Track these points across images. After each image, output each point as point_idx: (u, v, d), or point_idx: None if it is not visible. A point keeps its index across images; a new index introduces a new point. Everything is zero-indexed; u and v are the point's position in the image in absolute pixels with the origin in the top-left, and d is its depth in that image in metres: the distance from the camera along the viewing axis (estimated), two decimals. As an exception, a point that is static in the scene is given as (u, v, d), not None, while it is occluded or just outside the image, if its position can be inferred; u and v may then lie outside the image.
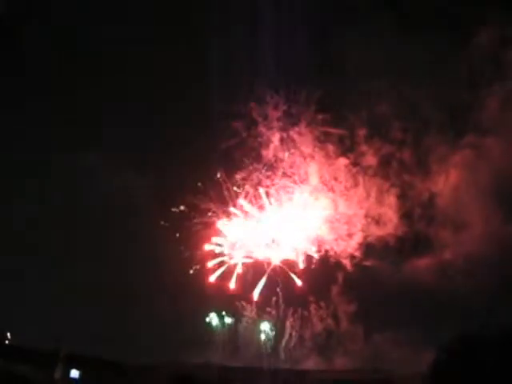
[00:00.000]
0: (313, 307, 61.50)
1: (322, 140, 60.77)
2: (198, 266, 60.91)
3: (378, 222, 60.74)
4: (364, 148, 60.44)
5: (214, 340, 63.06)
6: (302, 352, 61.95)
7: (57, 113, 62.15)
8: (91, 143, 60.97)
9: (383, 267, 60.31)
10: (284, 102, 60.68)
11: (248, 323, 62.83)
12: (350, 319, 61.50)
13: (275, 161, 61.37)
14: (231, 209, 61.51)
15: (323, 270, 60.58)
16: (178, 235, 60.44)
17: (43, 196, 61.88)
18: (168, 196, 60.19)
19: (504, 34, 57.62)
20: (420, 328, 56.19)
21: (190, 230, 61.09)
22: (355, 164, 60.79)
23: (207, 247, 61.43)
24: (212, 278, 60.91)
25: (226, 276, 61.10)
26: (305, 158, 61.18)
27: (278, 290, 61.13)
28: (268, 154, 61.13)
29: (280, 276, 60.69)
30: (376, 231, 60.44)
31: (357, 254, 60.21)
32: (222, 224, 61.73)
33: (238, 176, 60.69)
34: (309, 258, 60.85)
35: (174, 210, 60.57)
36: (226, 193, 60.93)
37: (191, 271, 60.74)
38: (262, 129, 61.09)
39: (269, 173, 61.07)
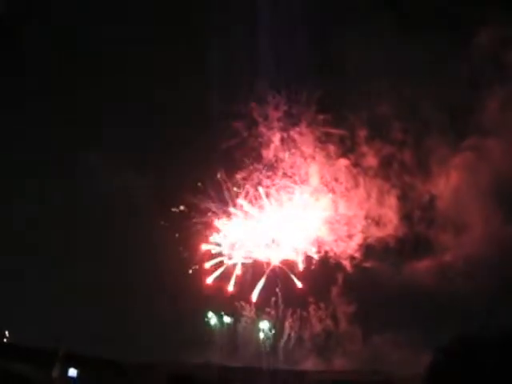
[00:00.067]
0: (312, 308, 61.82)
1: (322, 140, 61.06)
2: (196, 267, 61.33)
3: (378, 223, 60.99)
4: (364, 149, 60.70)
5: (213, 340, 63.38)
6: (301, 353, 62.25)
7: (57, 113, 62.37)
8: (91, 143, 61.06)
9: (383, 268, 60.57)
10: (285, 102, 60.92)
11: (247, 323, 63.16)
12: (350, 320, 61.78)
13: (276, 161, 61.63)
14: (231, 209, 61.85)
15: (323, 270, 60.84)
16: (177, 235, 60.91)
17: (43, 196, 62.19)
18: (168, 196, 60.58)
19: (505, 35, 57.71)
20: (420, 329, 56.39)
21: (190, 230, 61.52)
22: (356, 165, 61.10)
23: (206, 247, 61.71)
24: (209, 280, 61.31)
25: (224, 277, 61.41)
26: (305, 159, 61.40)
27: (278, 290, 61.43)
28: (268, 154, 61.43)
29: (279, 276, 61.04)
30: (376, 232, 60.69)
31: (357, 255, 60.47)
32: (221, 224, 61.99)
33: (239, 176, 60.99)
34: (308, 258, 61.08)
35: (173, 210, 60.99)
36: (226, 193, 61.29)
37: (190, 271, 61.19)
38: (262, 129, 61.37)
39: (269, 173, 61.36)
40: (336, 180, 60.99)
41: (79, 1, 62.44)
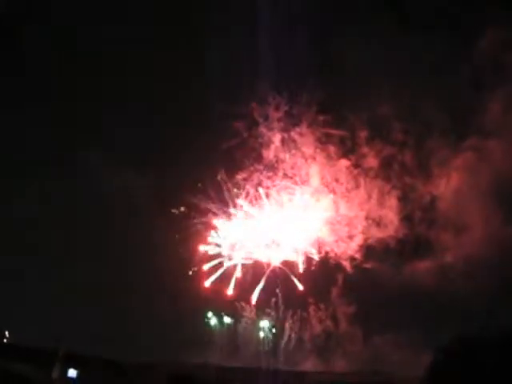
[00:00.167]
0: (312, 309, 62.25)
1: (323, 141, 61.33)
2: (196, 268, 61.65)
3: (378, 224, 61.31)
4: (365, 150, 61.11)
5: (213, 340, 63.96)
6: (301, 353, 62.65)
7: (57, 112, 62.71)
8: (91, 143, 61.40)
9: (383, 269, 60.91)
10: (285, 103, 61.18)
11: (247, 324, 63.59)
12: (350, 321, 62.22)
13: (276, 161, 61.90)
14: (231, 209, 62.09)
15: (323, 271, 61.16)
16: (177, 236, 61.27)
17: (43, 196, 62.36)
18: (168, 196, 60.91)
19: (507, 36, 58.03)
20: (420, 330, 56.80)
21: (190, 231, 61.84)
22: (356, 166, 61.46)
23: (206, 248, 62.04)
24: (207, 283, 61.62)
25: (224, 279, 61.74)
26: (306, 159, 61.65)
27: (278, 291, 61.79)
28: (269, 154, 61.75)
29: (280, 277, 61.31)
30: (377, 233, 61.03)
31: (357, 255, 60.83)
32: (221, 225, 62.33)
33: (239, 176, 61.29)
34: (309, 259, 61.36)
35: (173, 211, 61.39)
36: (226, 193, 61.56)
37: (190, 272, 61.57)
38: (262, 129, 61.68)
39: (270, 173, 61.68)
40: (337, 181, 61.38)
41: (79, 1, 62.80)
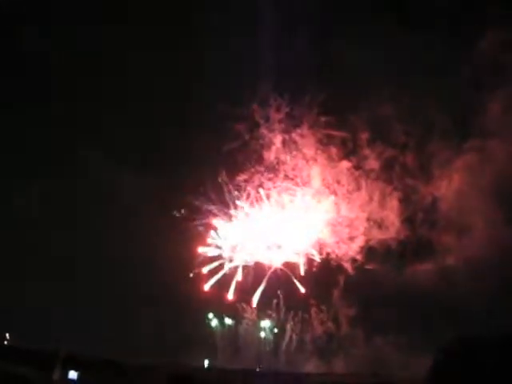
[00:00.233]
0: (313, 310, 62.56)
1: (324, 143, 61.59)
2: (197, 270, 61.95)
3: (380, 225, 61.51)
4: (367, 151, 61.26)
5: (213, 341, 64.24)
6: (302, 355, 62.94)
7: (57, 112, 62.96)
8: (92, 144, 61.82)
9: (385, 271, 61.03)
10: (286, 104, 61.41)
11: (248, 325, 63.96)
12: (351, 323, 62.38)
13: (277, 163, 62.24)
14: (232, 211, 62.46)
15: (324, 273, 61.46)
16: (178, 238, 61.10)
17: (43, 196, 62.54)
18: (169, 198, 61.03)
19: (508, 36, 57.77)
20: (421, 332, 56.94)
21: (191, 232, 62.15)
22: (358, 167, 61.67)
23: (206, 250, 62.48)
24: (206, 287, 62.04)
25: (224, 283, 62.15)
26: (307, 161, 61.96)
27: (279, 293, 62.33)
28: (270, 156, 62.10)
29: (281, 279, 61.64)
30: (378, 235, 61.24)
31: (358, 257, 61.11)
32: (222, 226, 62.74)
33: (240, 178, 61.61)
34: (310, 261, 61.68)
35: (174, 213, 61.61)
36: (227, 195, 61.92)
37: (191, 275, 61.97)
38: (263, 131, 62.00)
39: (271, 175, 62.03)
40: (338, 182, 61.64)
41: (79, 1, 63.03)
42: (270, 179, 61.90)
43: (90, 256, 61.84)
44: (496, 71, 59.08)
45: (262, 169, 61.83)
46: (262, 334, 64.47)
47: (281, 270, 61.51)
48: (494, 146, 60.40)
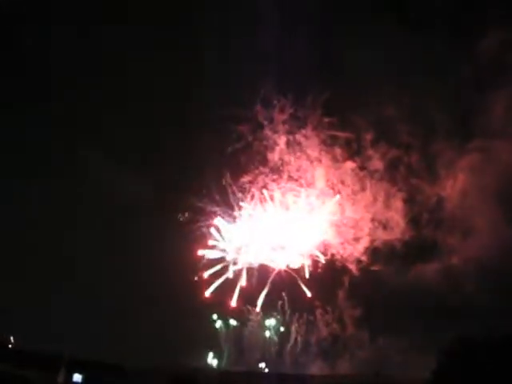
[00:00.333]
0: (318, 312, 63.11)
1: (328, 143, 61.97)
2: (200, 274, 62.09)
3: (385, 226, 62.02)
4: (371, 152, 61.76)
5: (217, 342, 64.82)
6: (307, 357, 63.46)
7: (57, 113, 63.37)
8: (94, 145, 62.34)
9: (389, 272, 61.58)
10: (290, 105, 61.63)
11: (253, 327, 64.44)
12: (356, 324, 62.98)
13: (281, 164, 62.47)
14: (236, 213, 62.70)
15: (329, 274, 61.80)
16: (182, 240, 61.58)
17: (43, 196, 62.95)
18: (173, 200, 61.07)
19: (510, 37, 58.73)
20: (425, 333, 57.84)
21: (195, 234, 62.26)
22: (362, 168, 62.11)
23: (210, 253, 62.62)
24: (208, 293, 62.15)
25: (228, 287, 62.42)
26: (311, 162, 62.28)
27: (284, 294, 62.80)
28: (274, 157, 62.34)
29: (286, 281, 61.84)
30: (383, 235, 61.78)
31: (363, 258, 61.56)
32: (226, 228, 62.94)
33: (244, 179, 61.82)
34: (315, 262, 61.92)
35: (179, 216, 61.69)
36: (231, 196, 62.12)
37: (196, 278, 62.16)
38: (267, 132, 62.26)
39: (275, 176, 62.27)
40: (342, 183, 62.07)
41: (79, 1, 63.44)
42: (274, 180, 62.31)
43: (92, 256, 62.49)
44: (499, 71, 60.05)
45: (266, 170, 62.26)
46: (267, 334, 64.95)
47: (285, 271, 61.98)
48: (498, 146, 61.29)
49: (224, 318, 64.55)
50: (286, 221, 62.74)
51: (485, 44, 59.53)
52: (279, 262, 62.10)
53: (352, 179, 62.04)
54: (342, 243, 61.91)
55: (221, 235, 62.99)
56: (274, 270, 61.93)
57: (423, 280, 60.87)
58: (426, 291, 59.45)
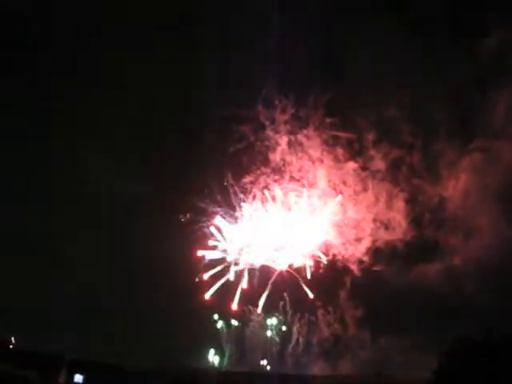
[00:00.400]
0: (320, 312, 63.47)
1: (330, 144, 62.27)
2: (201, 275, 62.39)
3: (386, 226, 62.35)
4: (373, 152, 62.10)
5: (219, 342, 65.21)
6: (309, 357, 63.83)
7: (57, 113, 63.77)
8: (96, 147, 62.79)
9: (391, 272, 61.88)
10: (292, 106, 61.87)
11: (255, 327, 64.77)
12: (357, 324, 63.40)
13: (283, 164, 62.75)
14: (238, 213, 62.90)
15: (331, 274, 62.08)
16: (183, 240, 61.72)
17: (43, 196, 63.43)
18: (174, 200, 60.95)
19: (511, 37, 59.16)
20: (427, 333, 58.32)
21: (196, 235, 62.55)
22: (364, 168, 62.41)
23: (211, 254, 62.87)
24: (207, 295, 62.42)
25: (229, 289, 62.65)
26: (313, 162, 62.56)
27: (286, 295, 63.07)
28: (276, 157, 62.63)
29: (287, 281, 62.12)
30: (385, 236, 62.12)
31: (365, 258, 61.89)
32: (228, 229, 63.17)
33: (246, 180, 62.09)
34: (316, 262, 62.19)
35: (180, 217, 61.83)
36: (233, 197, 62.41)
37: (196, 279, 62.39)
38: (269, 132, 62.50)
39: (276, 176, 62.52)
40: (344, 183, 62.36)
41: (80, 1, 63.74)
42: (275, 181, 62.56)
43: (92, 256, 62.87)
44: (500, 71, 60.42)
45: (268, 170, 62.56)
46: (269, 333, 65.26)
47: (287, 272, 62.26)
48: (500, 146, 61.76)
49: (225, 318, 64.87)
50: (288, 221, 62.97)
51: (485, 44, 60.08)
52: (281, 263, 62.40)
53: (354, 179, 62.46)
54: (344, 243, 62.33)
55: (222, 236, 63.28)
56: (275, 270, 62.31)
57: (425, 280, 61.45)
58: (428, 291, 59.98)
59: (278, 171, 62.72)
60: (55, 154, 64.66)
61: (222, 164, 61.59)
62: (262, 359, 65.08)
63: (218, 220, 62.98)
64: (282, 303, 63.49)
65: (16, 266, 60.73)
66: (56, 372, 56.26)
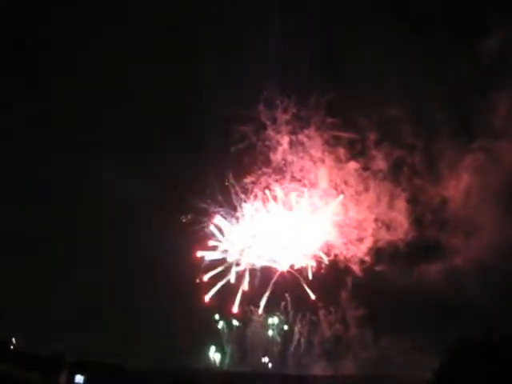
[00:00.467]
0: (322, 313, 63.91)
1: (331, 144, 62.56)
2: (202, 276, 62.91)
3: (388, 226, 62.62)
4: (374, 152, 62.31)
5: (220, 341, 65.83)
6: (310, 357, 64.32)
7: (57, 113, 64.05)
8: (96, 150, 63.57)
9: (393, 272, 62.19)
10: (293, 105, 62.18)
11: (256, 327, 65.16)
12: (359, 324, 63.77)
13: (284, 164, 63.13)
14: (239, 213, 63.28)
15: (332, 274, 62.57)
16: (184, 240, 62.28)
17: (43, 197, 64.13)
18: (175, 200, 61.70)
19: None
20: (427, 333, 58.50)
21: (198, 235, 63.03)
22: (365, 168, 62.69)
23: (212, 254, 63.33)
24: (207, 298, 62.88)
25: (229, 291, 63.12)
26: (314, 162, 62.88)
27: (287, 295, 63.65)
28: (277, 157, 62.98)
29: (289, 281, 62.53)
30: (386, 236, 62.42)
31: (366, 258, 62.23)
32: (229, 229, 63.63)
33: (247, 180, 62.45)
34: (318, 263, 62.64)
35: (182, 217, 62.45)
36: (234, 197, 62.77)
37: (197, 280, 62.88)
38: (270, 132, 62.80)
39: (278, 176, 62.91)
40: (346, 183, 62.69)
41: (80, 1, 64.18)
42: (277, 181, 62.89)
43: (92, 256, 63.42)
44: (501, 71, 60.83)
45: (270, 170, 62.90)
46: (270, 332, 65.68)
47: (288, 272, 62.64)
48: (502, 146, 62.07)
49: (226, 318, 65.27)
50: (289, 221, 63.37)
51: (486, 44, 60.38)
52: (282, 263, 62.78)
53: (355, 179, 62.77)
54: (346, 244, 62.67)
55: (223, 236, 63.68)
56: (276, 270, 62.63)
57: (427, 280, 61.72)
58: (429, 291, 60.16)
59: (280, 171, 63.22)
60: (55, 154, 64.03)
61: (223, 164, 61.89)
62: (263, 354, 65.57)
63: (218, 220, 63.40)
64: (283, 303, 64.11)
65: (16, 265, 61.08)
66: (57, 373, 56.43)
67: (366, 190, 62.98)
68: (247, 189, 62.97)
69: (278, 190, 63.19)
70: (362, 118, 61.26)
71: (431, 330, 58.90)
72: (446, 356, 49.59)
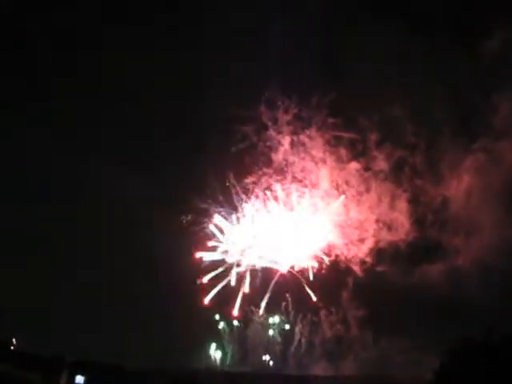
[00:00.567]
0: (323, 313, 64.44)
1: (333, 144, 62.93)
2: (202, 277, 63.50)
3: (389, 227, 63.07)
4: (375, 153, 62.78)
5: (221, 340, 66.49)
6: (311, 358, 64.90)
7: (57, 113, 64.57)
8: (95, 150, 63.86)
9: (394, 273, 62.59)
10: (295, 106, 62.61)
11: (257, 328, 65.70)
12: (360, 325, 64.17)
13: (285, 165, 63.51)
14: (240, 214, 63.76)
15: (333, 275, 63.06)
16: (184, 240, 63.00)
17: (43, 197, 64.63)
18: (175, 200, 62.32)
19: None
20: (429, 333, 58.65)
21: (198, 236, 63.64)
22: (367, 169, 63.10)
23: (212, 255, 63.88)
24: (206, 300, 63.40)
25: (230, 292, 63.60)
26: (316, 163, 63.28)
27: (288, 296, 64.09)
28: (278, 157, 63.36)
29: (289, 282, 63.04)
30: (387, 236, 62.88)
31: (367, 259, 62.73)
32: (230, 230, 64.18)
33: (248, 180, 62.90)
34: (319, 263, 63.18)
35: (182, 218, 62.86)
36: (235, 197, 63.28)
37: (198, 281, 63.37)
38: (272, 133, 63.16)
39: (279, 177, 63.33)
40: (347, 184, 63.11)
41: (80, 1, 64.55)
42: (278, 181, 63.25)
43: (92, 256, 63.95)
44: (502, 71, 61.14)
45: (271, 171, 63.26)
46: (271, 332, 66.12)
47: (289, 272, 63.12)
48: (503, 147, 62.54)
49: (226, 319, 65.83)
50: (290, 222, 63.82)
51: (486, 44, 60.90)
52: (283, 264, 63.23)
53: (357, 180, 63.22)
54: (347, 244, 63.11)
55: (224, 237, 64.15)
56: (277, 271, 63.10)
57: (428, 281, 62.02)
58: (430, 292, 60.41)
59: (281, 171, 63.59)
60: (55, 154, 64.23)
61: (223, 164, 62.12)
62: (264, 352, 66.09)
63: (219, 221, 63.81)
64: (284, 304, 64.58)
65: (16, 265, 61.39)
66: (57, 373, 56.99)
67: (368, 190, 63.46)
68: (248, 189, 63.42)
69: (279, 190, 63.60)
70: (363, 119, 61.72)
71: (431, 330, 59.14)
72: (446, 356, 49.88)
